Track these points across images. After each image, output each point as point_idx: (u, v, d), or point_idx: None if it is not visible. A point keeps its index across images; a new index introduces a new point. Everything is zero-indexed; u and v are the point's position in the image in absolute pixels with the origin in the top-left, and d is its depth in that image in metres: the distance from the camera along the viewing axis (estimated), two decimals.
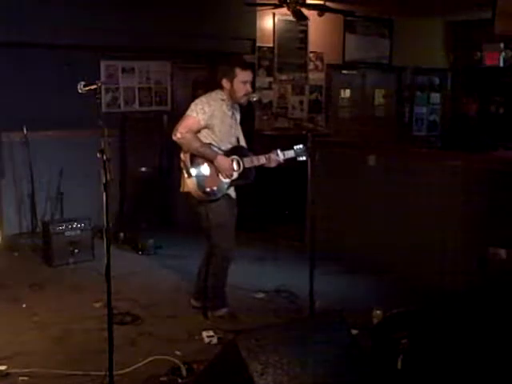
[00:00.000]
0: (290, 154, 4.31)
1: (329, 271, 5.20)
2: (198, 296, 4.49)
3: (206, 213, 4.22)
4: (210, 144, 4.18)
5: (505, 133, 7.97)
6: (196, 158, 4.13)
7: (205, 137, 4.18)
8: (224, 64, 4.44)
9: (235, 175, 4.23)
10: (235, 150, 4.27)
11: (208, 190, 4.14)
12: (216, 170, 4.16)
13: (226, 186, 4.22)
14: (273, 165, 4.31)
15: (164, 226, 6.99)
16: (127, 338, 4.04)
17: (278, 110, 8.46)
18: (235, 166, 4.22)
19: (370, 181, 5.75)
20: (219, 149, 4.21)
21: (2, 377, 3.49)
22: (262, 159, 4.29)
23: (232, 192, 4.35)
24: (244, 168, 4.25)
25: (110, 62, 7.04)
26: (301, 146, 4.27)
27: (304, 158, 4.27)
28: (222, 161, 4.15)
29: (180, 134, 4.08)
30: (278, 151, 4.30)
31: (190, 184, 4.15)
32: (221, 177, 4.18)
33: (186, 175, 4.16)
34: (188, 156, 4.13)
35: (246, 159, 4.26)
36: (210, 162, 4.14)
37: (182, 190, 4.25)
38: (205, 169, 4.15)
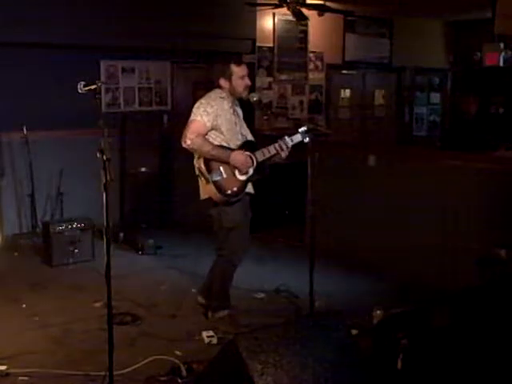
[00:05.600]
0: (297, 137, 4.19)
1: (329, 271, 5.19)
2: (205, 294, 4.49)
3: (219, 216, 4.19)
4: (221, 145, 4.13)
5: (505, 133, 7.97)
6: (211, 162, 4.06)
7: (214, 139, 4.13)
8: (219, 64, 4.38)
9: (251, 171, 4.17)
10: (244, 146, 4.22)
11: (229, 192, 4.08)
12: (232, 170, 4.09)
13: (244, 184, 4.17)
14: (283, 155, 4.21)
15: (164, 226, 6.98)
16: (127, 337, 4.03)
17: (277, 109, 8.46)
18: (249, 162, 4.17)
19: (370, 181, 5.75)
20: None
21: (1, 377, 3.49)
22: (273, 149, 4.19)
23: (251, 189, 4.30)
24: (257, 162, 4.19)
25: (110, 61, 7.04)
26: (304, 127, 4.18)
27: (308, 140, 4.17)
28: (237, 156, 4.08)
29: (189, 140, 4.02)
30: (286, 137, 4.20)
31: (209, 190, 4.08)
32: (238, 175, 4.12)
33: (204, 182, 4.10)
34: (202, 162, 4.06)
35: (257, 153, 4.19)
36: (225, 162, 4.07)
37: (201, 197, 4.19)
38: (222, 171, 4.07)
